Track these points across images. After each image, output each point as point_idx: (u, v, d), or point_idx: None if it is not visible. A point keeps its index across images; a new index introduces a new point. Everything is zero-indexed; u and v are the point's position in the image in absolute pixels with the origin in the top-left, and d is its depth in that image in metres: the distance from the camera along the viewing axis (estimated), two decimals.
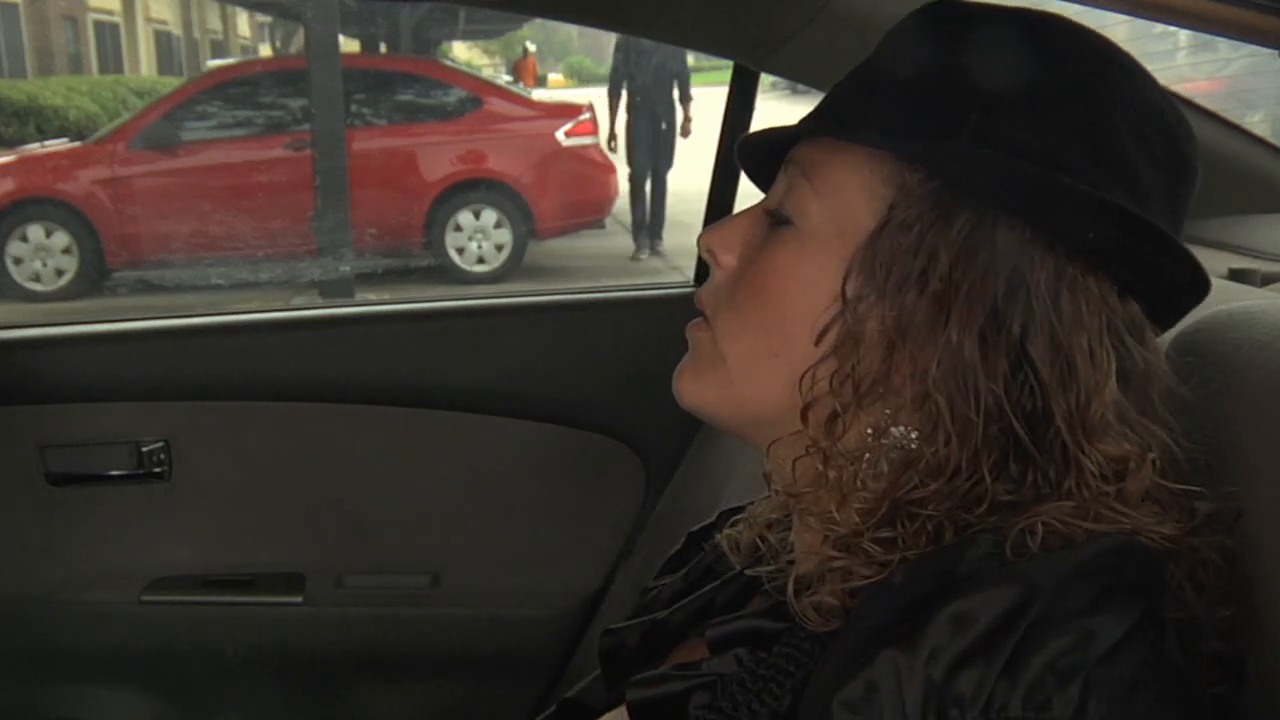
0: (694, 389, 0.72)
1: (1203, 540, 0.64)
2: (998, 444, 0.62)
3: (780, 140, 0.73)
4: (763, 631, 0.67)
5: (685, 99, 7.44)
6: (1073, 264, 0.63)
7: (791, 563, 0.70)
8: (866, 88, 0.69)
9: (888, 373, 0.64)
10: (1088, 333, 0.62)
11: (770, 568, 0.70)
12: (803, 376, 0.65)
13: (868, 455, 0.65)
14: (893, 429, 0.64)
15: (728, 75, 1.66)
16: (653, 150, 7.30)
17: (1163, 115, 0.66)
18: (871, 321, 0.64)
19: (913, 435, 0.64)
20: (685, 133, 7.39)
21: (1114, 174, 0.64)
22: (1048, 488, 0.62)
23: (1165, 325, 0.68)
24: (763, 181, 0.77)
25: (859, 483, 0.65)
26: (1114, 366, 0.63)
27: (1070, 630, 0.56)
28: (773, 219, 0.70)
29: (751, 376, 0.69)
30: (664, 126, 7.35)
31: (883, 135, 0.66)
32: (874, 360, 0.64)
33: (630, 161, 7.35)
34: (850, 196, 0.67)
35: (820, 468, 0.65)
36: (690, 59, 7.52)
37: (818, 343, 0.65)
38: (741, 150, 0.78)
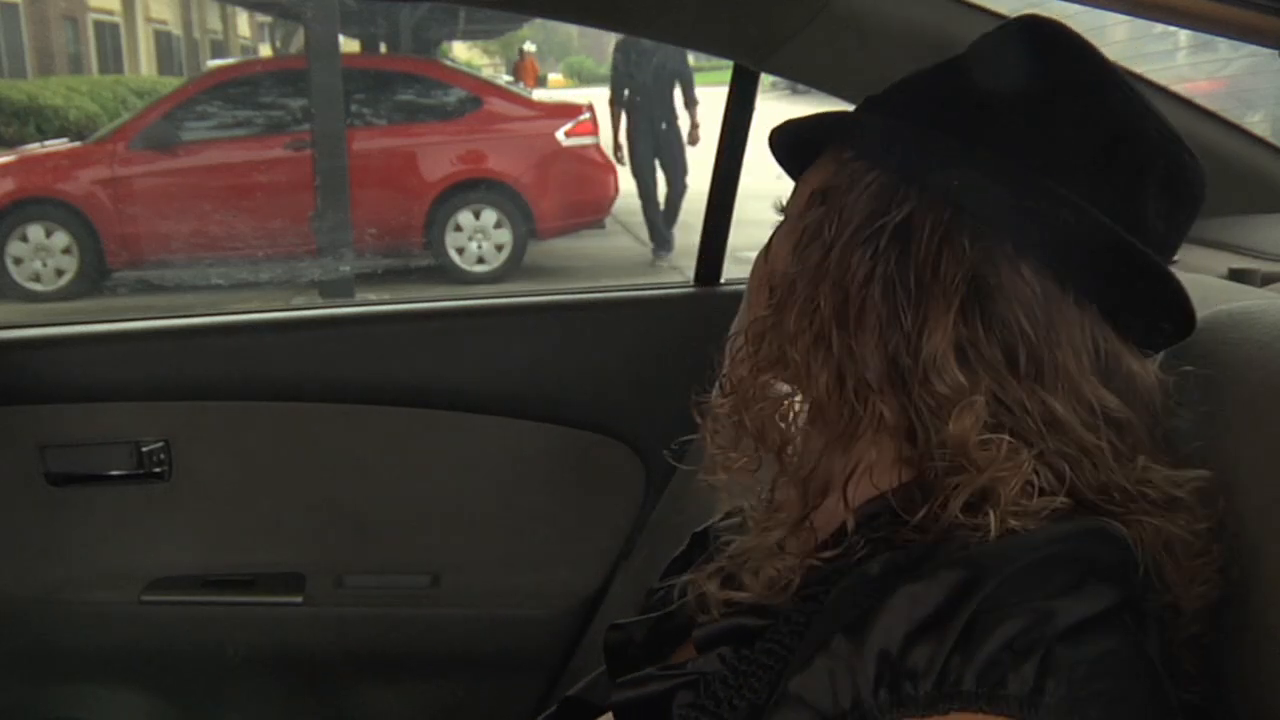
0: None
1: (1169, 521, 0.64)
2: (863, 392, 0.65)
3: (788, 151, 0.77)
4: (745, 629, 0.68)
5: (690, 103, 7.15)
6: (935, 212, 0.64)
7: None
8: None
9: (794, 334, 0.67)
10: (943, 287, 0.63)
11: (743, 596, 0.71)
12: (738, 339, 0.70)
13: (778, 413, 0.69)
14: (780, 386, 0.69)
15: (728, 75, 1.66)
16: (659, 155, 7.08)
17: (1092, 90, 0.68)
18: (797, 289, 0.68)
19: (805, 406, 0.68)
20: (693, 140, 7.10)
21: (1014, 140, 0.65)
22: (912, 421, 0.64)
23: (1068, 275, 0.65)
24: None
25: (772, 430, 0.69)
26: (954, 305, 0.63)
27: (1026, 611, 0.56)
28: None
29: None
30: (664, 127, 7.12)
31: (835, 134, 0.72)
32: (789, 322, 0.68)
33: (634, 170, 7.11)
34: (821, 183, 0.71)
35: (739, 417, 0.69)
36: (690, 59, 7.41)
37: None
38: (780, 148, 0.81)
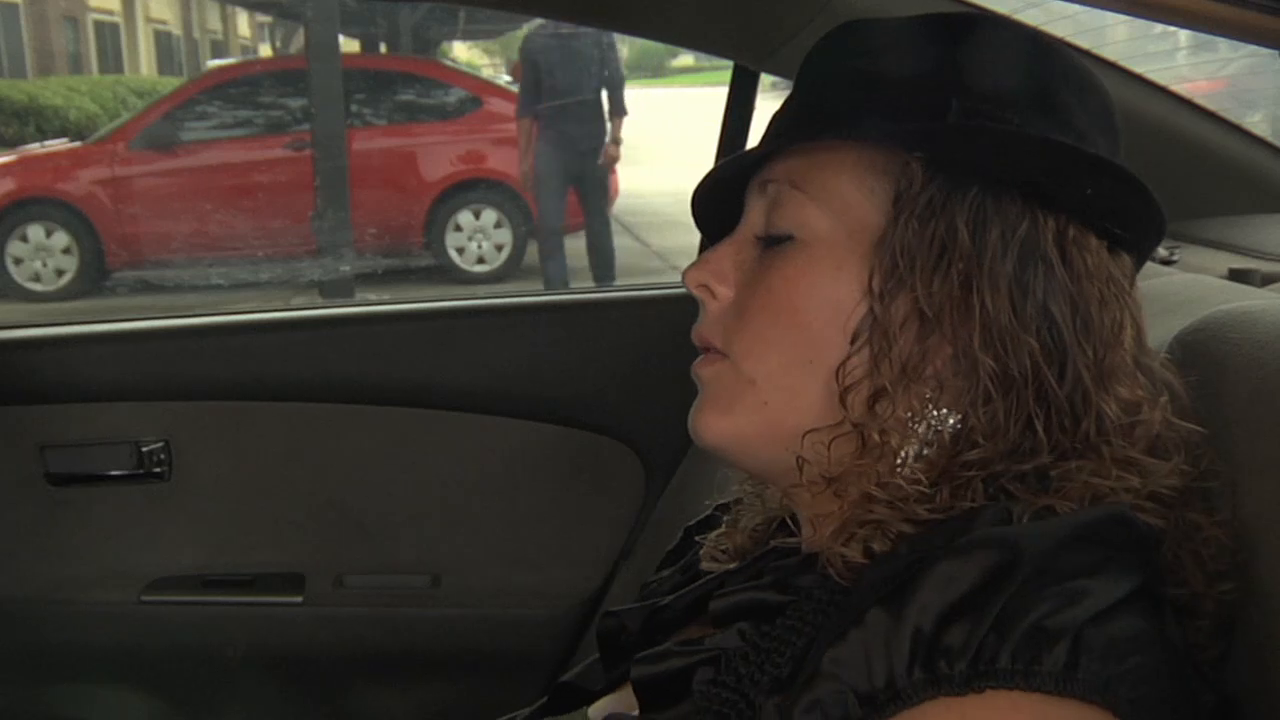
0: (723, 422, 0.71)
1: (1205, 517, 0.65)
2: (1033, 401, 0.64)
3: (738, 172, 0.74)
4: (767, 604, 0.68)
5: (617, 112, 5.62)
6: (1071, 224, 0.66)
7: (796, 550, 0.71)
8: (842, 93, 0.71)
9: (924, 353, 0.66)
10: (1098, 284, 0.66)
11: (795, 540, 0.71)
12: (838, 369, 0.67)
13: (916, 429, 0.67)
14: (934, 412, 0.66)
15: (728, 75, 1.66)
16: (577, 182, 5.69)
17: (1097, 87, 0.71)
18: (901, 309, 0.66)
19: (956, 418, 0.66)
20: (609, 159, 5.66)
21: (1077, 141, 0.68)
22: (1066, 438, 0.64)
23: (1140, 260, 0.72)
24: (713, 228, 0.78)
25: (912, 453, 0.67)
26: (1127, 313, 0.66)
27: (1059, 591, 0.56)
28: (765, 239, 0.71)
29: (786, 389, 0.69)
30: (586, 146, 5.61)
31: (877, 130, 0.68)
32: (909, 342, 0.66)
33: (536, 198, 5.77)
34: (850, 197, 0.68)
35: (868, 439, 0.66)
36: (690, 59, 7.22)
37: (853, 341, 0.67)
38: (699, 194, 0.78)
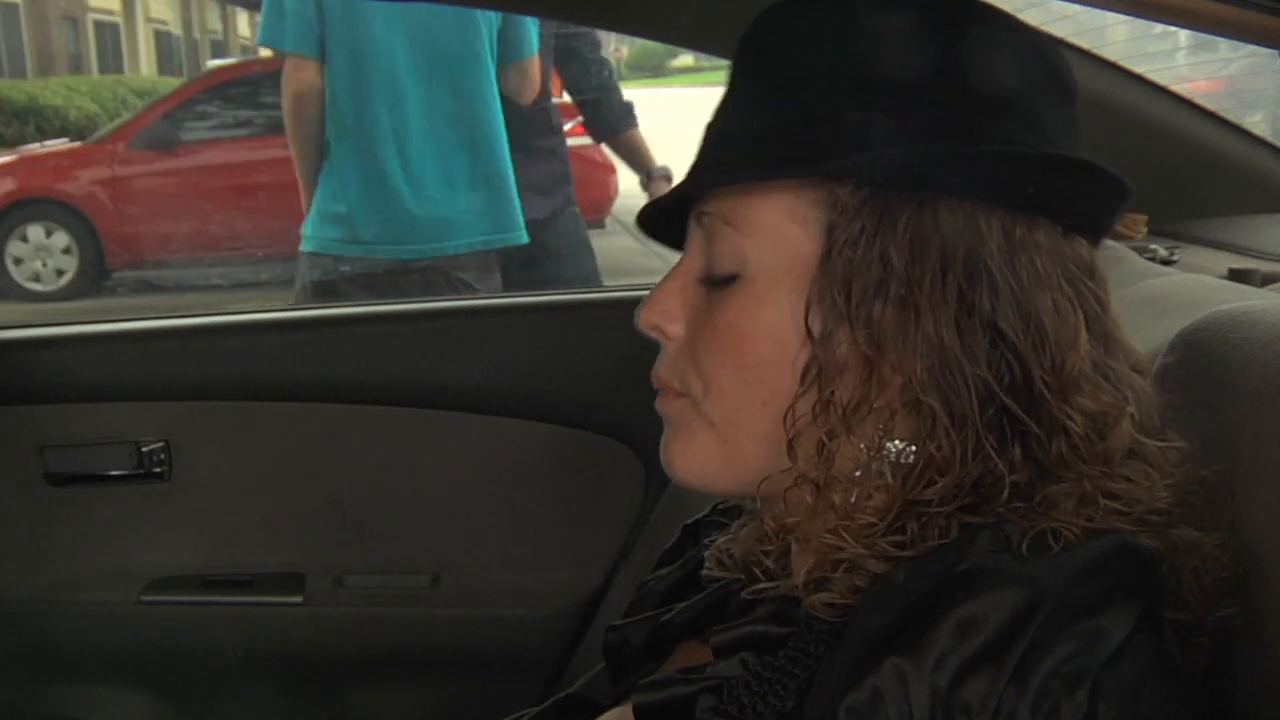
0: (689, 460, 0.70)
1: (1205, 536, 0.64)
2: (994, 426, 0.62)
3: (679, 196, 0.70)
4: (768, 636, 0.67)
5: (622, 124, 3.07)
6: (1018, 224, 0.63)
7: (788, 576, 0.70)
8: (759, 118, 0.68)
9: (870, 390, 0.63)
10: (1050, 290, 0.63)
11: (771, 584, 0.69)
12: (785, 414, 0.64)
13: (860, 473, 0.64)
14: (888, 445, 0.64)
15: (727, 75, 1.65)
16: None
17: (1035, 46, 0.67)
18: (844, 344, 0.63)
19: (910, 449, 0.64)
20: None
21: (1025, 122, 0.64)
22: (1041, 454, 0.62)
23: (1099, 238, 0.68)
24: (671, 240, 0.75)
25: (864, 500, 0.64)
26: (1081, 318, 0.63)
27: (1076, 633, 0.55)
28: (708, 278, 0.69)
29: (744, 430, 0.67)
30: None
31: (801, 164, 0.65)
32: (854, 380, 0.63)
33: None
34: (784, 230, 0.65)
35: (810, 499, 0.64)
36: (690, 59, 7.14)
37: (803, 380, 0.64)
38: (642, 219, 0.75)
